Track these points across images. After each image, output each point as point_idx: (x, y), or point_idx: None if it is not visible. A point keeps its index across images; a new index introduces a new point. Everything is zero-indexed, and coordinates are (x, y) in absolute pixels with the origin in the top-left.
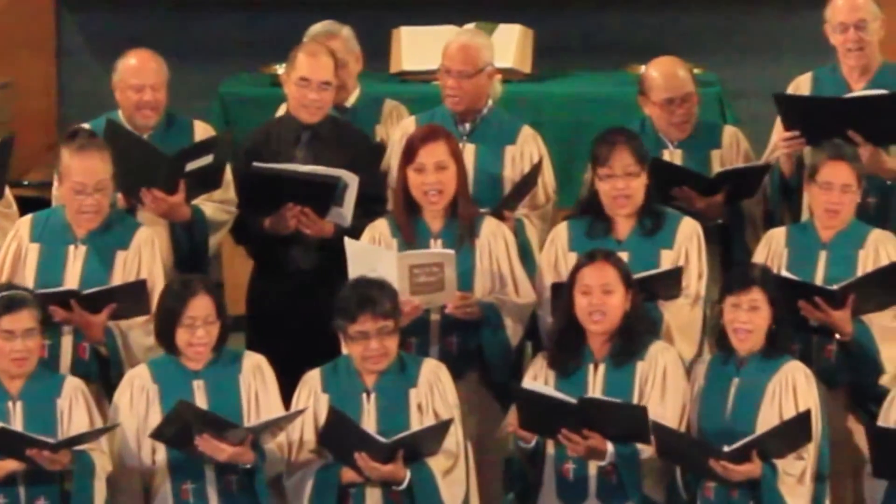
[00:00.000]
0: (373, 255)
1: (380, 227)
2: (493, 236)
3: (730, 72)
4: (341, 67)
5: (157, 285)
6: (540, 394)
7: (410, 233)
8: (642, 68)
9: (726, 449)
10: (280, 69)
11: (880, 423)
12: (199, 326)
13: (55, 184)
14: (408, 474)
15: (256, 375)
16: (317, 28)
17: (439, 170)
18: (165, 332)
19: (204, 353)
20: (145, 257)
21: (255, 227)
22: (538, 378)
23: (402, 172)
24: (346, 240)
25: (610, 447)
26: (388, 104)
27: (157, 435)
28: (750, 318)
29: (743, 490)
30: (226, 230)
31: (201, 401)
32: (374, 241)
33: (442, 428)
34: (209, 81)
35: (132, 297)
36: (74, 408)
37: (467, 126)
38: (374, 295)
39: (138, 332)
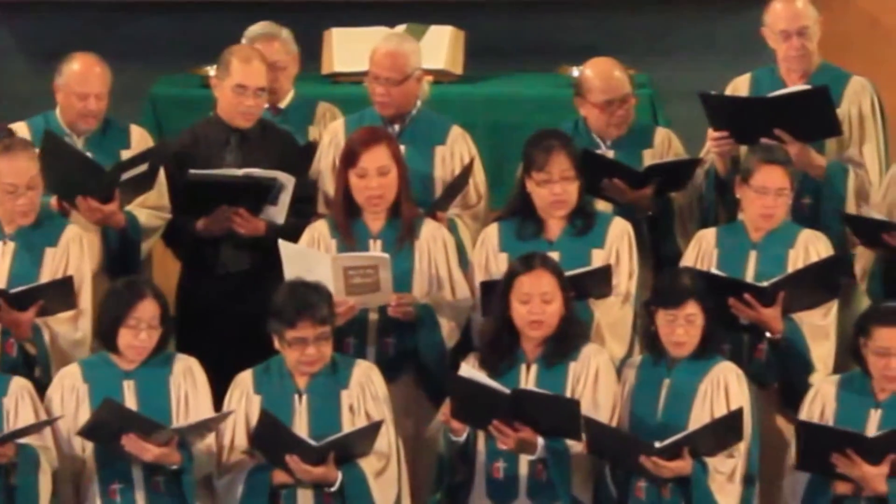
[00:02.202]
0: (308, 257)
1: (319, 228)
2: (433, 238)
3: (661, 74)
4: (280, 70)
5: (84, 281)
6: (474, 382)
7: (350, 234)
8: (573, 70)
9: (658, 445)
10: (211, 71)
11: (803, 417)
12: (143, 329)
13: None
14: (339, 476)
15: (187, 378)
16: (255, 30)
17: (381, 175)
18: (108, 331)
19: (142, 356)
20: (73, 254)
21: (188, 230)
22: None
23: (343, 176)
24: (281, 242)
25: (540, 441)
26: (321, 106)
27: (84, 433)
28: (686, 330)
29: (674, 489)
30: (158, 235)
31: (131, 401)
32: (313, 241)
33: (373, 429)
34: (140, 83)
35: (59, 294)
36: (20, 406)
37: (396, 127)
38: (313, 300)
39: (66, 326)
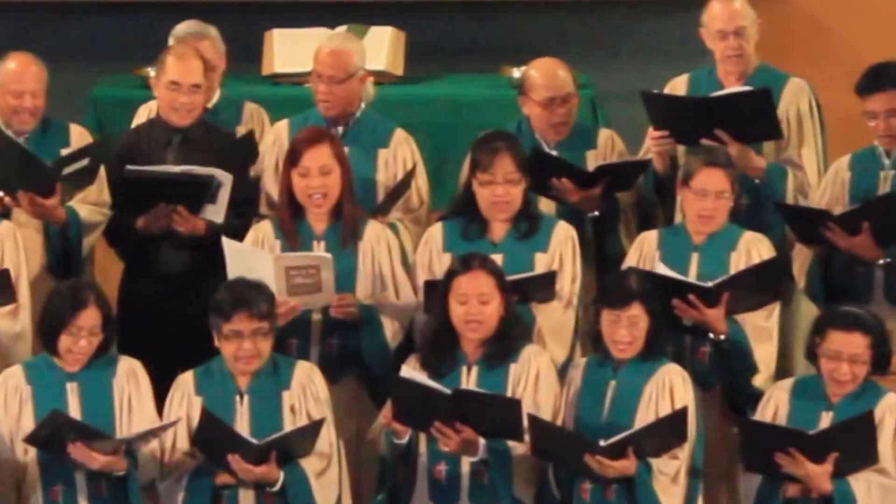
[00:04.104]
0: (250, 255)
1: (264, 229)
2: (377, 239)
3: (601, 75)
4: (210, 69)
5: (21, 275)
6: (416, 383)
7: (294, 235)
8: (514, 70)
9: (602, 443)
10: (152, 71)
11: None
12: (83, 337)
13: None
14: (281, 476)
15: (130, 380)
16: (183, 28)
17: (324, 174)
18: (49, 335)
19: (81, 361)
20: (8, 249)
21: (129, 228)
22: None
23: (286, 176)
24: (224, 240)
25: (482, 442)
26: (248, 107)
27: (31, 440)
28: (629, 332)
29: (618, 490)
30: (99, 232)
31: (74, 404)
32: (257, 242)
33: (314, 428)
34: (80, 84)
35: None
36: None
37: (340, 129)
38: (251, 296)
39: (5, 321)
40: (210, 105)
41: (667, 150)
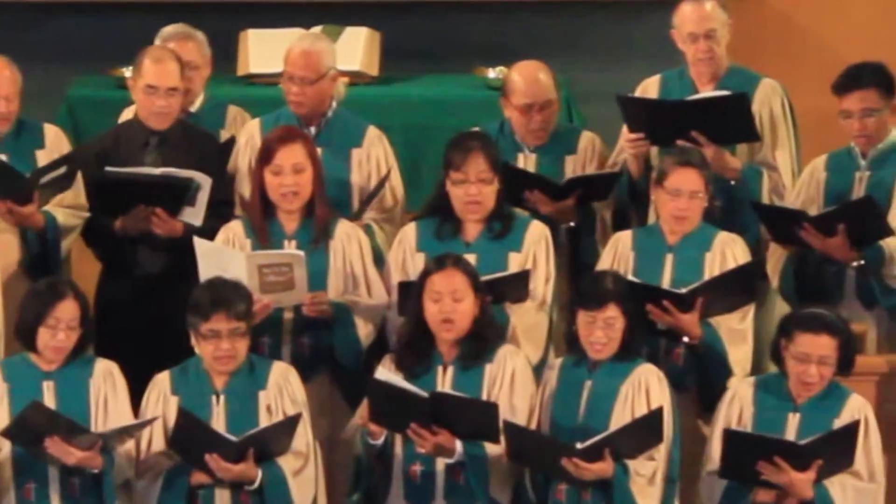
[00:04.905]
0: (222, 254)
1: (234, 228)
2: (348, 238)
3: (577, 75)
4: (193, 69)
5: None
6: (392, 385)
7: (265, 234)
8: (489, 71)
9: (579, 446)
10: (127, 72)
11: (720, 420)
12: (61, 330)
13: None
14: (259, 474)
15: (107, 381)
16: (169, 30)
17: (297, 172)
18: (27, 330)
19: (60, 356)
20: None
21: (106, 229)
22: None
23: (258, 174)
24: (196, 240)
25: (458, 445)
26: (231, 110)
27: (7, 433)
28: (605, 333)
29: (594, 492)
30: (76, 234)
31: (50, 402)
32: (228, 241)
33: (290, 424)
34: (55, 84)
35: None
36: None
37: (312, 129)
38: (230, 295)
39: None
40: (194, 109)
41: (642, 152)
